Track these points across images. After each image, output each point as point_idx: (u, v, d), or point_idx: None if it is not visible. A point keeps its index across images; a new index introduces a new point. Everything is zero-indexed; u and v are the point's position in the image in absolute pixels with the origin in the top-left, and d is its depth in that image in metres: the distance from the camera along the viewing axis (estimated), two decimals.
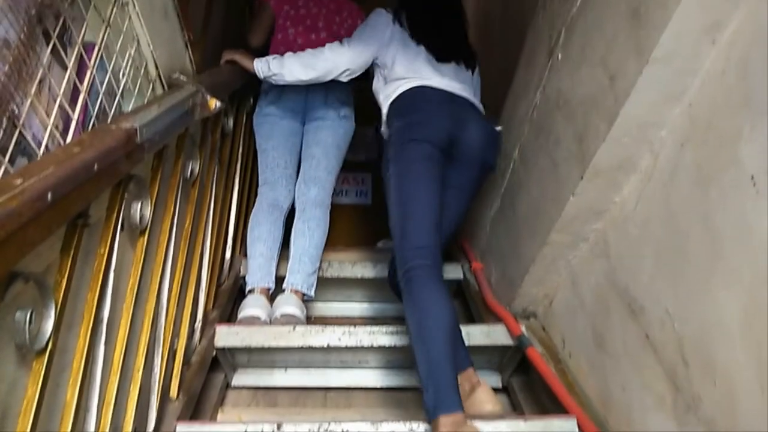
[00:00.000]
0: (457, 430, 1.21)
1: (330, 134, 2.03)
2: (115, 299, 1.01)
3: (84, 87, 1.08)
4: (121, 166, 0.94)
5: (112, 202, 0.99)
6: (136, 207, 1.11)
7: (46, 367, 0.79)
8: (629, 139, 1.17)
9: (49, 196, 0.70)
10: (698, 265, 0.99)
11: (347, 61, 1.77)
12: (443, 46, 1.78)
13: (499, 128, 1.79)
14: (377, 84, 1.84)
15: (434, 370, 1.29)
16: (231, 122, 1.93)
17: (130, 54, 1.27)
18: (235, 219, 2.03)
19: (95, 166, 0.83)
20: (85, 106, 1.09)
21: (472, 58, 1.87)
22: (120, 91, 1.22)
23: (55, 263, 0.84)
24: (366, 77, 1.90)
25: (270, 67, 1.82)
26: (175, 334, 1.42)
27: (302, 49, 1.83)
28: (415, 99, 1.68)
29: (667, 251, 1.11)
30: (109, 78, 1.18)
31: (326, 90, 2.04)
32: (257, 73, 1.85)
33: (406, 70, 1.73)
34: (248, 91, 2.20)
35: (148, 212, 1.15)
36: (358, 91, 2.19)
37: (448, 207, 1.64)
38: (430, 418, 1.26)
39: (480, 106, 1.79)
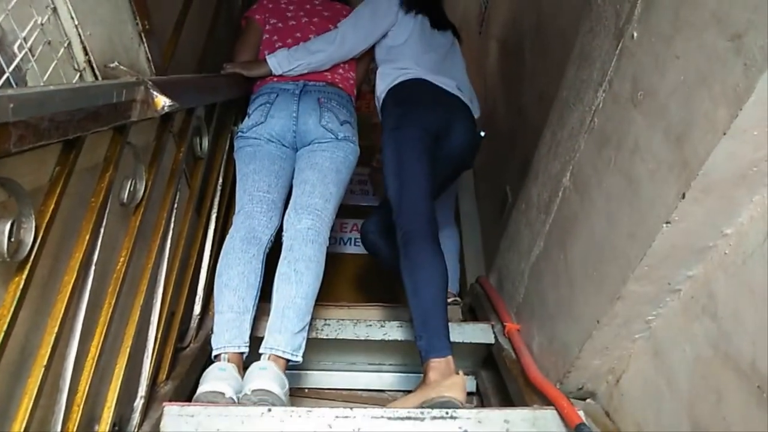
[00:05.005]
0: (444, 373, 1.36)
1: (327, 157, 1.64)
2: None
3: None
4: None
5: None
6: (3, 228, 0.72)
7: None
8: (762, 131, 0.77)
9: None
10: None
11: (351, 47, 1.84)
12: (438, 17, 1.96)
13: (483, 133, 1.88)
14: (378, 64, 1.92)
15: (427, 319, 1.43)
16: (206, 142, 1.56)
17: (37, 23, 0.91)
18: (210, 263, 1.62)
19: None
20: None
21: (455, 29, 2.05)
22: (10, 68, 0.86)
23: None
24: None
25: (291, 59, 1.78)
26: (94, 419, 1.00)
27: None
28: (412, 91, 1.78)
29: None
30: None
31: (320, 108, 1.70)
32: (274, 70, 1.78)
33: (407, 60, 1.82)
34: (233, 113, 1.86)
35: (29, 237, 0.76)
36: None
37: None
38: (423, 361, 1.41)
39: (469, 102, 1.85)
